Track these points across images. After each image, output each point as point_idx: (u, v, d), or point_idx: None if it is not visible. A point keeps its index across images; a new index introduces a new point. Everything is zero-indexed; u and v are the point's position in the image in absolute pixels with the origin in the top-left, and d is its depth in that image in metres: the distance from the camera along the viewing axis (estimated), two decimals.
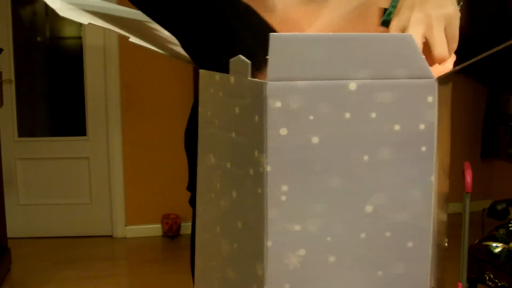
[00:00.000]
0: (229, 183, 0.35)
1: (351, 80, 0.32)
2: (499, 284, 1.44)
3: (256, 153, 0.32)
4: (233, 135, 0.35)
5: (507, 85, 2.43)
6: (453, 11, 0.42)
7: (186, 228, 2.53)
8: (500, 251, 1.45)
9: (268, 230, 0.31)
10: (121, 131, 2.52)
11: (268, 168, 0.31)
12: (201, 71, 0.40)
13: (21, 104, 2.52)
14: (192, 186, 0.62)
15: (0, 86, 2.16)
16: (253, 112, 0.32)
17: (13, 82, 2.46)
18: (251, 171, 0.32)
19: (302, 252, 0.32)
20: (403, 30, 0.42)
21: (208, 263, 0.39)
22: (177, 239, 2.53)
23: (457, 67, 0.37)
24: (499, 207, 1.54)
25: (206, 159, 0.39)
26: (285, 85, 0.31)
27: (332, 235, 0.33)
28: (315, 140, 0.32)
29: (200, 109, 0.40)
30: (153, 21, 0.49)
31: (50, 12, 2.60)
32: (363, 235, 0.33)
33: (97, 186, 2.56)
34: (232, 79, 0.34)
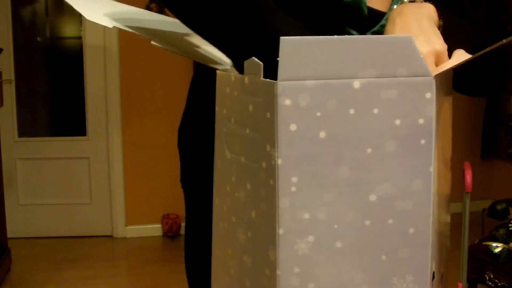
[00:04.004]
0: (244, 175, 0.38)
1: (355, 79, 0.35)
2: (499, 284, 1.45)
3: (268, 147, 0.34)
4: (247, 131, 0.37)
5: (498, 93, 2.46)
6: (441, 47, 0.44)
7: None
8: (500, 251, 1.46)
9: (279, 218, 0.34)
10: (121, 131, 2.53)
11: (279, 161, 0.34)
12: (218, 72, 0.42)
13: (21, 104, 2.52)
14: (184, 179, 0.65)
15: (0, 86, 2.17)
16: (265, 110, 0.34)
17: (13, 82, 2.47)
18: (264, 164, 0.35)
19: (311, 238, 0.35)
20: None
21: (225, 251, 0.41)
22: (177, 239, 2.54)
23: (454, 65, 0.40)
24: (499, 207, 1.55)
25: (223, 154, 0.41)
26: (294, 84, 0.33)
27: (339, 223, 0.35)
28: (322, 134, 0.34)
29: (217, 108, 0.42)
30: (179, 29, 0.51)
31: (50, 12, 2.62)
32: (367, 222, 0.36)
33: (97, 186, 2.57)
34: (246, 79, 0.37)
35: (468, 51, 0.45)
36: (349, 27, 0.51)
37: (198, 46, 0.48)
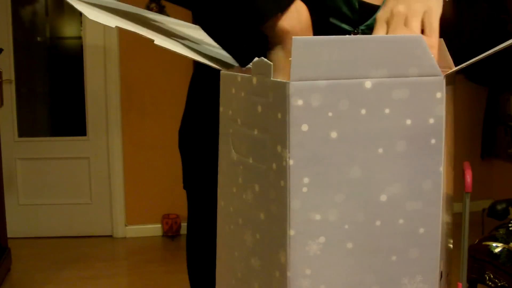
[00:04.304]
0: (252, 177, 0.38)
1: (367, 78, 0.35)
2: (499, 284, 1.45)
3: (279, 148, 0.34)
4: (256, 132, 0.37)
5: (507, 85, 2.46)
6: (435, 4, 0.44)
7: (186, 228, 2.53)
8: (500, 251, 1.45)
9: (290, 220, 0.34)
10: (121, 131, 2.53)
11: (291, 162, 0.33)
12: (222, 72, 0.42)
13: (21, 104, 2.52)
14: (186, 181, 0.64)
15: (0, 86, 2.17)
16: (276, 110, 0.34)
17: (13, 82, 2.46)
18: (274, 165, 0.35)
19: (322, 239, 0.34)
20: (387, 22, 0.43)
21: (231, 254, 0.41)
22: (177, 239, 2.54)
23: (461, 66, 0.39)
24: (499, 207, 1.55)
25: (228, 155, 0.41)
26: (306, 85, 0.33)
27: (349, 223, 0.35)
28: (333, 135, 0.34)
29: (221, 108, 0.42)
30: (169, 20, 0.51)
31: (50, 12, 2.61)
32: (378, 223, 0.36)
33: (97, 186, 2.57)
34: (254, 79, 0.37)
35: (479, 16, 0.44)
36: (341, 21, 0.51)
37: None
